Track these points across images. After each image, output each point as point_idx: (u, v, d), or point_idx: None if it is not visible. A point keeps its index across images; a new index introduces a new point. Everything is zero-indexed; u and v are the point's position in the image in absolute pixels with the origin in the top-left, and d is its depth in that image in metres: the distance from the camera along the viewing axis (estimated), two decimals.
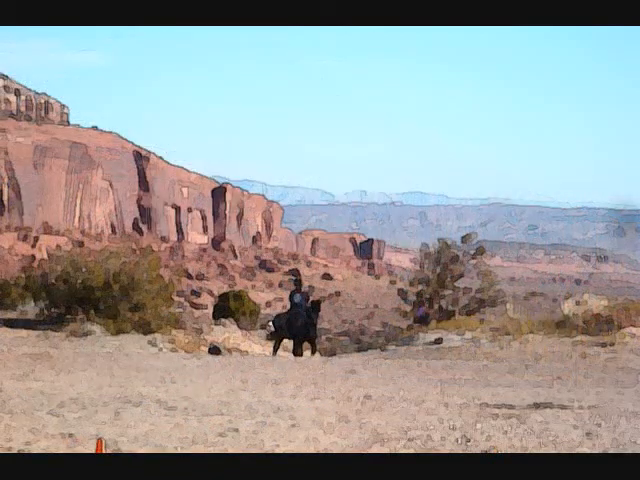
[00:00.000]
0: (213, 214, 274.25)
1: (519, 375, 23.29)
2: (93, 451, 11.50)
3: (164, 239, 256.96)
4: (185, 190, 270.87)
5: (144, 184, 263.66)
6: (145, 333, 36.35)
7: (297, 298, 32.06)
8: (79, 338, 34.83)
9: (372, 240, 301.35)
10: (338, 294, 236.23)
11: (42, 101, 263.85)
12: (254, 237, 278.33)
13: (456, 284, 47.91)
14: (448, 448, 12.93)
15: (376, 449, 12.75)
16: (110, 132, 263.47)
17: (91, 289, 37.67)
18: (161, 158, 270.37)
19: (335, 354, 44.19)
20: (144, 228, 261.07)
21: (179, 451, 12.52)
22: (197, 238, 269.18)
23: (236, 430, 13.95)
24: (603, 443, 13.40)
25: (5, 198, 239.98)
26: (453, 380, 21.66)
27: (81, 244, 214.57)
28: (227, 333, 41.72)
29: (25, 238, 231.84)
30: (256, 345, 40.74)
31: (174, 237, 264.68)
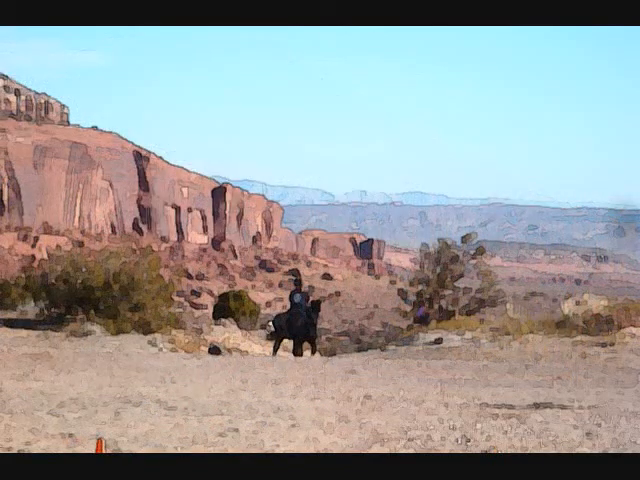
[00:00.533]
0: (213, 214, 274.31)
1: (519, 375, 23.28)
2: (93, 451, 11.50)
3: (164, 239, 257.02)
4: (185, 190, 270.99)
5: (144, 184, 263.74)
6: (145, 333, 36.36)
7: (297, 298, 32.05)
8: (79, 338, 34.83)
9: (372, 240, 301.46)
10: (338, 294, 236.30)
11: (42, 101, 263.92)
12: (254, 237, 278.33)
13: (456, 284, 47.88)
14: (448, 448, 12.93)
15: (376, 449, 12.75)
16: (110, 132, 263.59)
17: (91, 289, 37.68)
18: (161, 158, 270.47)
19: (335, 354, 44.17)
20: (144, 228, 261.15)
21: (179, 451, 12.52)
22: (197, 238, 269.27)
23: (236, 430, 13.96)
24: (603, 443, 13.40)
25: (5, 198, 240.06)
26: (453, 380, 21.66)
27: (81, 244, 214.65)
28: (227, 333, 41.73)
29: (25, 238, 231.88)
30: (256, 345, 40.73)
31: (174, 237, 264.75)
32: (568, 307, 36.28)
